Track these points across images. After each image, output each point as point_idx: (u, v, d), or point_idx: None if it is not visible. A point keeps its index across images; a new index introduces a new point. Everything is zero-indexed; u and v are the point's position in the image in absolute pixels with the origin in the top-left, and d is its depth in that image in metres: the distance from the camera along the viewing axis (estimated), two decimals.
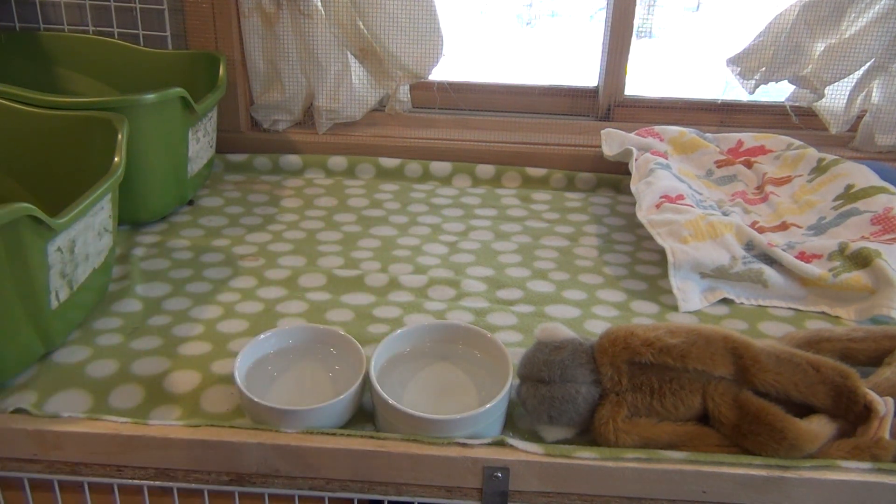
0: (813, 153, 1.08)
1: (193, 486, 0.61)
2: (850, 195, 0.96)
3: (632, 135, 1.13)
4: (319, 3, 1.12)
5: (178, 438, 0.59)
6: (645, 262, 0.94)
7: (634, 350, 0.60)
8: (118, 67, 1.12)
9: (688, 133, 1.14)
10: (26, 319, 0.65)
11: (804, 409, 0.60)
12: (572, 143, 1.19)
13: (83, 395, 0.66)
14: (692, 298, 0.84)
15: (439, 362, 0.68)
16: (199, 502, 0.63)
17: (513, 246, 0.98)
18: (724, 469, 0.57)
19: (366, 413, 0.65)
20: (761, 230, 0.95)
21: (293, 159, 1.18)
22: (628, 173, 1.05)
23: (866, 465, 0.58)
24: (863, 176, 0.99)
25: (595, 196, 1.14)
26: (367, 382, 0.63)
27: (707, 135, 1.16)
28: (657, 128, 1.15)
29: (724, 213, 0.96)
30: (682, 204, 0.93)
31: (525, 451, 0.59)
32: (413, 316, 0.81)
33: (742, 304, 0.85)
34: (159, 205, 0.99)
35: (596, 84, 1.27)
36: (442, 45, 1.15)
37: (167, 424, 0.61)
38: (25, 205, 0.61)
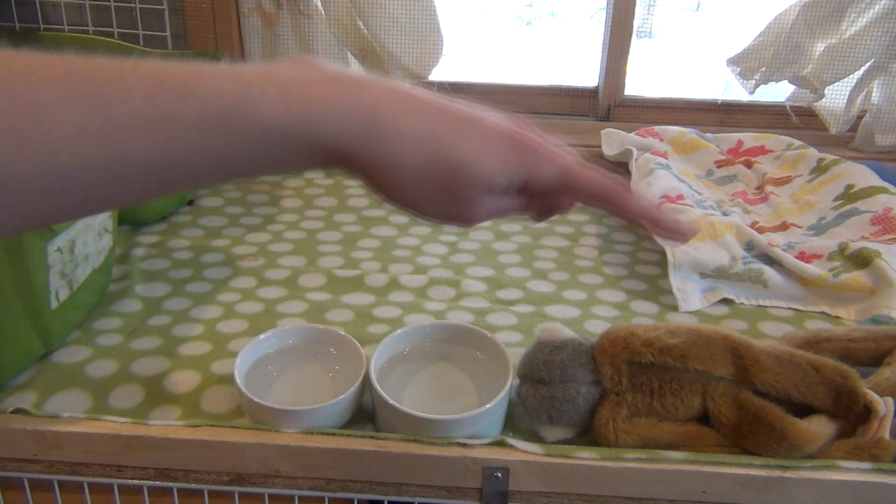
0: (813, 153, 1.08)
1: (193, 486, 0.61)
2: (850, 195, 0.96)
3: (632, 135, 1.13)
4: (319, 3, 1.12)
5: (178, 438, 0.59)
6: (645, 262, 0.94)
7: (634, 350, 0.60)
8: None
9: (688, 133, 1.14)
10: (26, 319, 0.65)
11: (804, 409, 0.60)
12: (572, 143, 1.19)
13: (83, 395, 0.66)
14: (692, 298, 0.84)
15: (439, 362, 0.68)
16: (199, 502, 0.63)
17: (513, 246, 0.98)
18: (724, 469, 0.57)
19: (366, 413, 0.65)
20: (761, 230, 0.95)
21: None
22: (628, 173, 1.04)
23: (866, 465, 0.58)
24: (863, 176, 0.99)
25: None
26: (367, 382, 0.63)
27: (707, 135, 1.16)
28: (657, 128, 1.15)
29: (724, 213, 0.96)
30: (682, 204, 0.93)
31: (525, 451, 0.59)
32: (413, 316, 0.81)
33: (742, 304, 0.85)
34: (159, 205, 0.99)
35: (596, 84, 1.27)
36: (442, 45, 1.15)
37: (167, 424, 0.61)
38: None
